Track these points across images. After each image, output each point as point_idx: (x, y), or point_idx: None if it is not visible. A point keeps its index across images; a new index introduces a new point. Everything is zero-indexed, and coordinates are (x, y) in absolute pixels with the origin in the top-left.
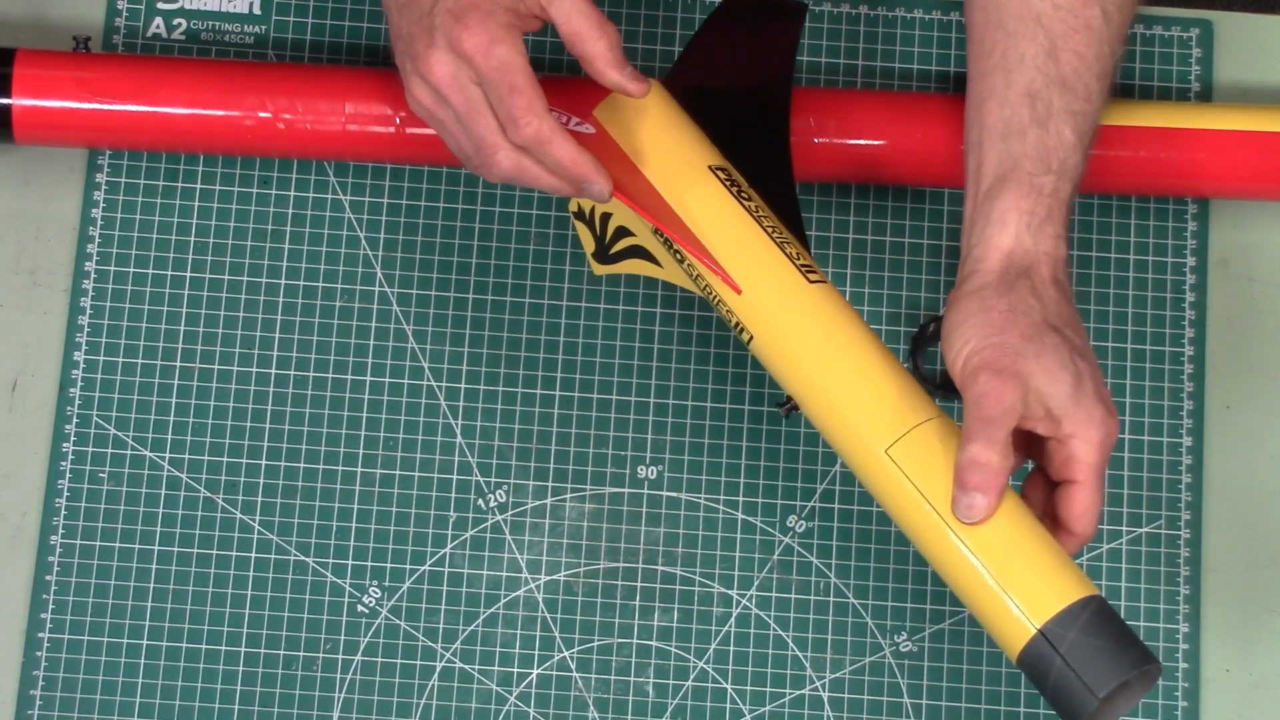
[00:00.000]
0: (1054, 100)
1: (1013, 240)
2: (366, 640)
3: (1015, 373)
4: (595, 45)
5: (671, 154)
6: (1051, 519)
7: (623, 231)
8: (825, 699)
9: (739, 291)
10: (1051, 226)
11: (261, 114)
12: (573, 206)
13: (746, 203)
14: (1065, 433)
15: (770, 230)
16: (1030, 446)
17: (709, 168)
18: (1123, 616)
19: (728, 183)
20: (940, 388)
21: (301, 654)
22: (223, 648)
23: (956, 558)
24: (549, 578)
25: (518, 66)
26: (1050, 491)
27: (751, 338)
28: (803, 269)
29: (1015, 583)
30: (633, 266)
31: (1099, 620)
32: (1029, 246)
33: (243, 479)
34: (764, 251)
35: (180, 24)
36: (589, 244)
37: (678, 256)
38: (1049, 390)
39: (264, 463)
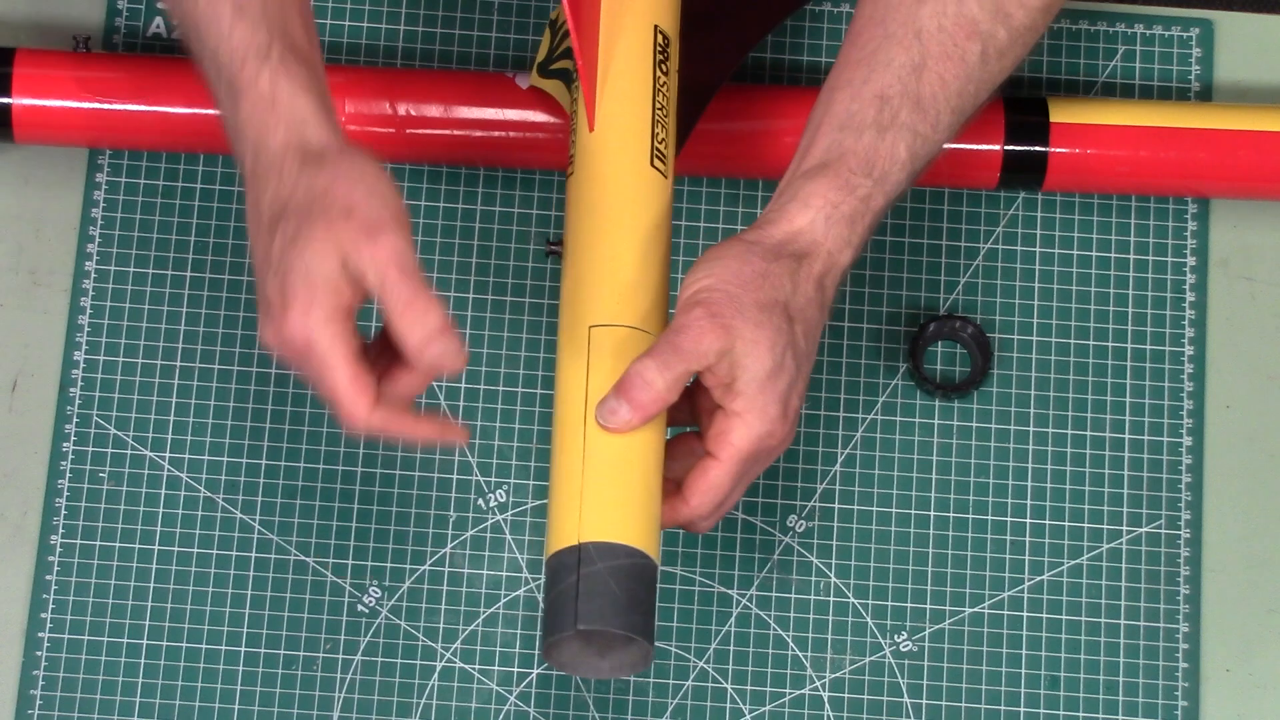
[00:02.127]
0: (901, 113)
1: (806, 223)
2: (366, 640)
3: (728, 327)
4: (399, 322)
5: None
6: (678, 484)
7: (567, 53)
8: (825, 699)
9: (591, 129)
10: (847, 229)
11: None
12: (553, 14)
13: (660, 74)
14: (734, 409)
15: (657, 107)
16: (699, 409)
17: (654, 26)
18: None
19: (659, 49)
20: (939, 388)
21: (301, 654)
22: (223, 648)
23: (571, 446)
24: None
25: (335, 365)
26: (694, 461)
27: (572, 173)
28: (655, 152)
29: (596, 495)
30: (555, 88)
31: (635, 575)
32: (817, 236)
33: (243, 479)
34: (635, 115)
35: None
36: (541, 53)
37: (575, 79)
38: (745, 362)
39: (264, 463)
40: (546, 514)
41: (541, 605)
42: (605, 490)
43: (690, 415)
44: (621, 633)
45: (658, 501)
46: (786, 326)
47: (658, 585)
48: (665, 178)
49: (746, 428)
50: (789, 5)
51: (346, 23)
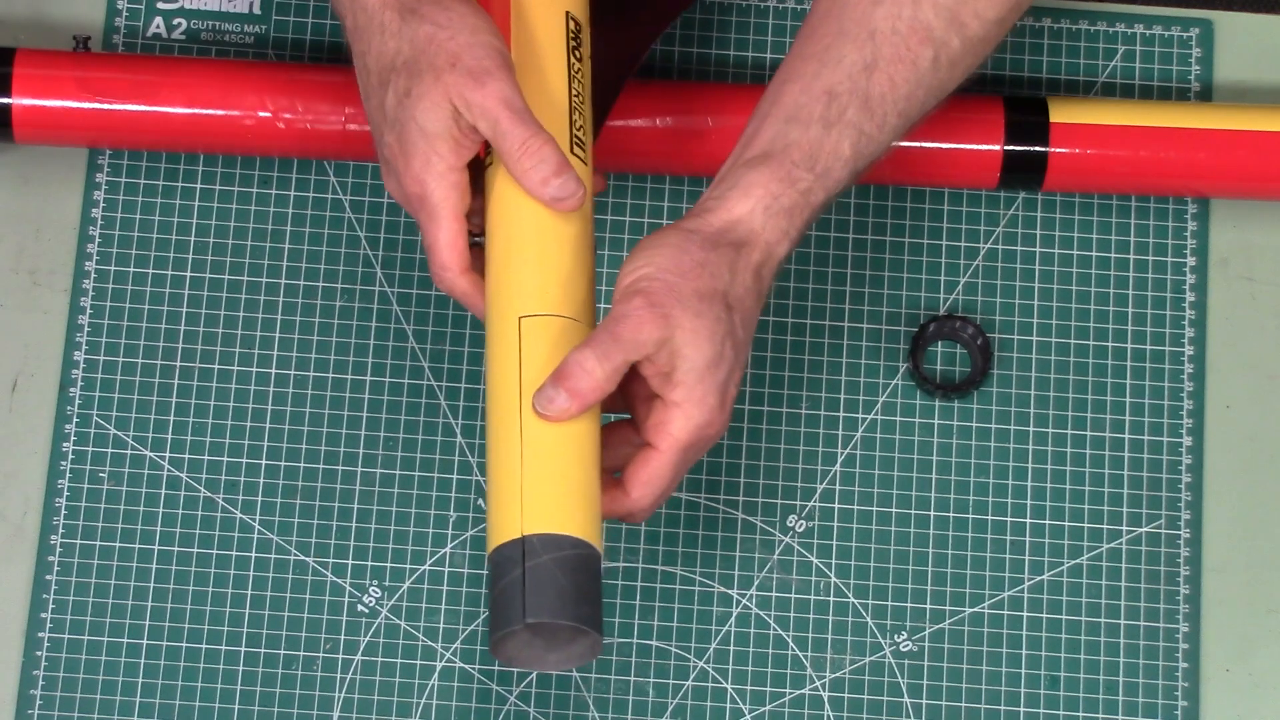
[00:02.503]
0: (849, 110)
1: (745, 212)
2: (366, 640)
3: (667, 316)
4: (517, 166)
5: None
6: (611, 473)
7: None
8: (825, 699)
9: None
10: (786, 221)
11: (261, 114)
12: None
13: (575, 60)
14: (673, 399)
15: (573, 94)
16: (633, 397)
17: (566, 13)
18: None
19: (571, 35)
20: (939, 388)
21: (301, 654)
22: (223, 648)
23: (508, 438)
24: None
25: (441, 219)
26: (629, 450)
27: (490, 163)
28: (574, 140)
29: (536, 486)
30: None
31: (580, 566)
32: (755, 226)
33: (243, 479)
34: (552, 104)
35: (180, 24)
36: None
37: None
38: (685, 352)
39: (264, 463)
40: (488, 514)
41: (486, 604)
42: (545, 481)
43: (622, 402)
44: (571, 624)
45: (598, 490)
46: (725, 316)
47: (602, 575)
48: (585, 164)
49: (686, 418)
50: None
51: None
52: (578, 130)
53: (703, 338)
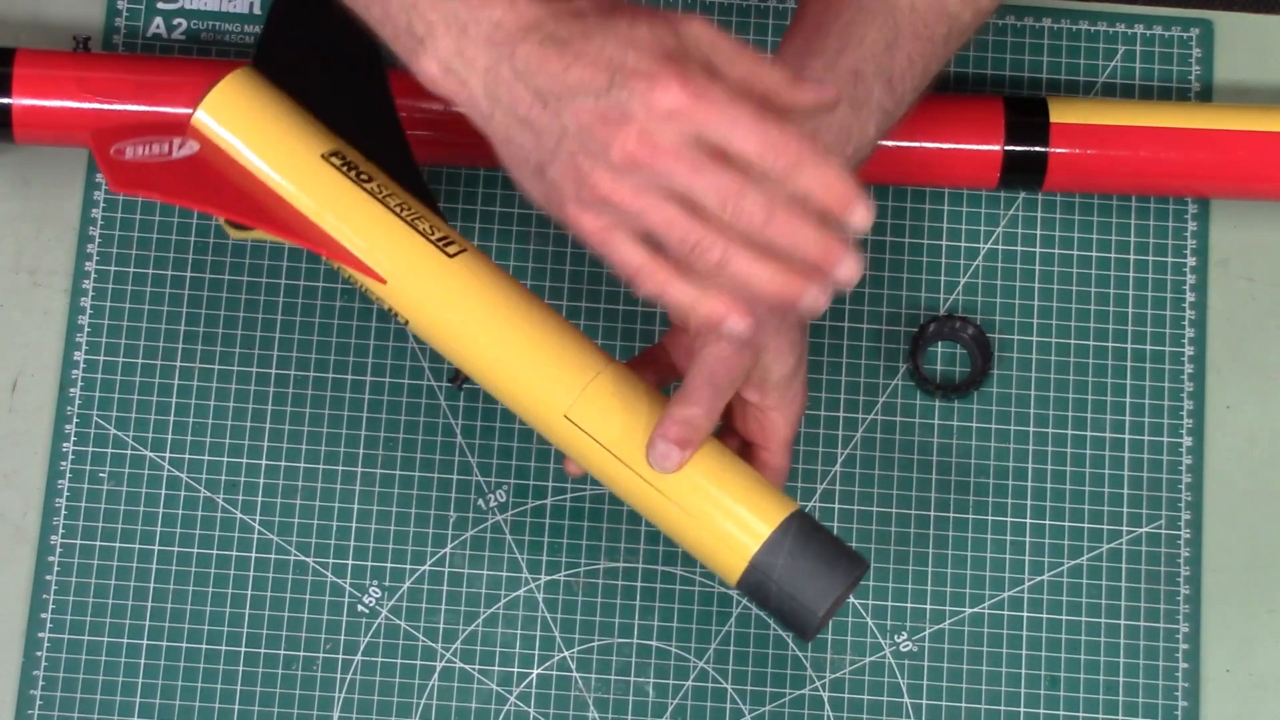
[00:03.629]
0: (874, 91)
1: None
2: (366, 640)
3: (755, 345)
4: (771, 75)
5: (279, 152)
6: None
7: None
8: (825, 699)
9: (383, 281)
10: None
11: None
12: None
13: (368, 185)
14: (769, 404)
15: (399, 209)
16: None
17: (321, 156)
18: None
19: (344, 168)
20: (939, 388)
21: (301, 654)
22: (223, 648)
23: (661, 505)
24: (549, 578)
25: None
26: (732, 435)
27: (408, 322)
28: (440, 244)
29: (720, 517)
30: (268, 232)
31: (804, 540)
32: None
33: (243, 479)
34: (398, 235)
35: (180, 24)
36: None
37: (327, 262)
38: (774, 366)
39: (264, 463)
40: (701, 562)
41: (773, 619)
42: (719, 511)
43: None
44: (844, 586)
45: (751, 472)
46: (796, 318)
47: (816, 519)
48: (468, 251)
49: (786, 420)
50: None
51: None
52: (436, 237)
53: (785, 348)
